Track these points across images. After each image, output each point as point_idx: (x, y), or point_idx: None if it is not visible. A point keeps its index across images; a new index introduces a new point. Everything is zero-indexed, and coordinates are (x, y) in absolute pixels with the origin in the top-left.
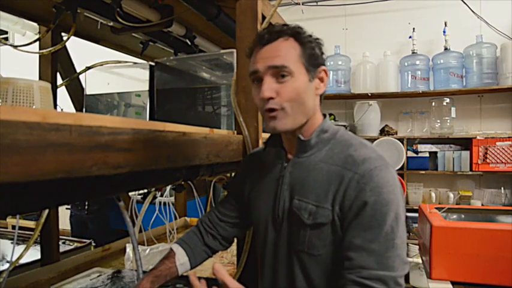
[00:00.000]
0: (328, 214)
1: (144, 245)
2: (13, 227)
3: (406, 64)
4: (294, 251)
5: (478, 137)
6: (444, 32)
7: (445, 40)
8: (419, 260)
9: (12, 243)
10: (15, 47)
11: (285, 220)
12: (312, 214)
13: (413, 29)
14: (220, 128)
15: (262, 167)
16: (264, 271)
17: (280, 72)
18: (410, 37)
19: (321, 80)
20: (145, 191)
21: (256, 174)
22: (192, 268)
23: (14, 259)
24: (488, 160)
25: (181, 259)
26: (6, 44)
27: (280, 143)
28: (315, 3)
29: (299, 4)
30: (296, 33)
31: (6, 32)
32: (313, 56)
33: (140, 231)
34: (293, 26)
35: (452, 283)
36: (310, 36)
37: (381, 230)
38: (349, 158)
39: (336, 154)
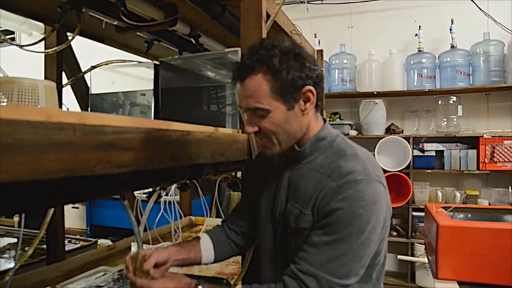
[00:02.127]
0: (309, 220)
1: (149, 243)
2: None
3: (412, 62)
4: (287, 251)
5: (485, 136)
6: (451, 29)
7: (452, 38)
8: (425, 260)
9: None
10: (21, 46)
11: (280, 221)
12: (297, 219)
13: (420, 26)
14: (225, 127)
15: (266, 168)
16: (263, 267)
17: (255, 112)
18: (416, 35)
19: (307, 99)
20: (151, 190)
21: (261, 175)
22: (215, 259)
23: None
24: (495, 159)
25: (206, 243)
26: (12, 44)
27: None
28: (320, 2)
29: (304, 2)
30: (267, 64)
31: (13, 32)
32: (289, 82)
33: (145, 230)
34: (264, 52)
35: (459, 283)
36: (286, 55)
37: (339, 236)
38: (338, 168)
39: (328, 164)
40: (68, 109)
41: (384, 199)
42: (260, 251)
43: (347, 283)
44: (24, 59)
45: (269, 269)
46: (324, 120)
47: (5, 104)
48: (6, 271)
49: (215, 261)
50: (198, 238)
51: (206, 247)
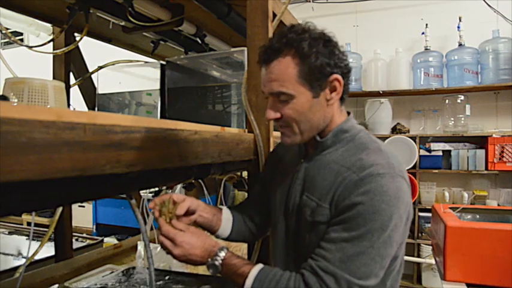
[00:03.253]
0: (326, 213)
1: (155, 242)
2: (28, 224)
3: (418, 61)
4: (300, 246)
5: (494, 135)
6: (458, 27)
7: (460, 36)
8: (432, 261)
9: (27, 239)
10: (30, 47)
11: (294, 215)
12: (313, 212)
13: (426, 24)
14: (230, 126)
15: (284, 159)
16: (276, 261)
17: (278, 97)
18: (423, 33)
19: (333, 89)
20: (157, 189)
21: (278, 165)
22: (229, 236)
23: (29, 255)
24: (504, 159)
25: (227, 216)
26: (21, 45)
27: None
28: (325, 0)
29: (309, 1)
30: (295, 47)
31: (22, 34)
32: (317, 68)
33: (151, 229)
34: (293, 36)
35: (467, 285)
36: (316, 40)
37: (359, 233)
38: (359, 161)
39: (349, 156)
40: (74, 109)
41: (406, 197)
42: (273, 245)
43: (367, 284)
44: (31, 59)
45: (281, 265)
46: (348, 113)
47: (15, 104)
48: (16, 268)
49: (228, 238)
50: (220, 209)
51: (226, 220)
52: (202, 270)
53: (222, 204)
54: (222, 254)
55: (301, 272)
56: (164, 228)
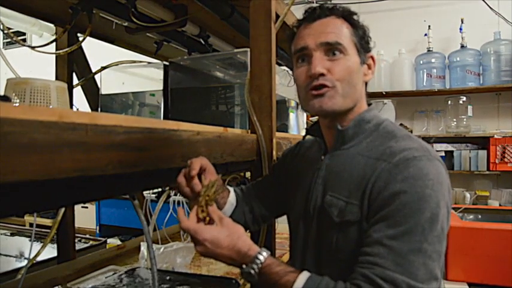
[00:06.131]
0: (356, 211)
1: (158, 243)
2: (30, 225)
3: (421, 62)
4: (320, 253)
5: (495, 136)
6: (461, 29)
7: (462, 37)
8: None
9: (29, 240)
10: (33, 48)
11: (315, 218)
12: (341, 211)
13: (429, 26)
14: (233, 127)
15: (305, 159)
16: (295, 265)
17: (332, 49)
18: (425, 35)
19: (369, 66)
20: (160, 190)
21: (298, 166)
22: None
23: (31, 256)
24: (506, 159)
25: (232, 201)
26: (24, 45)
27: (321, 133)
28: (328, 1)
29: (312, 3)
30: (347, 15)
31: (24, 34)
32: (363, 39)
33: (154, 229)
34: (344, 7)
35: (469, 284)
36: (359, 19)
37: (408, 227)
38: (388, 149)
39: (376, 146)
40: (77, 109)
41: (448, 182)
42: (291, 245)
43: None
44: (33, 60)
45: (299, 266)
46: (369, 104)
47: (17, 104)
48: (18, 269)
49: None
50: (229, 191)
51: (230, 204)
52: (205, 270)
53: None
54: (261, 258)
55: (355, 283)
56: (183, 225)
